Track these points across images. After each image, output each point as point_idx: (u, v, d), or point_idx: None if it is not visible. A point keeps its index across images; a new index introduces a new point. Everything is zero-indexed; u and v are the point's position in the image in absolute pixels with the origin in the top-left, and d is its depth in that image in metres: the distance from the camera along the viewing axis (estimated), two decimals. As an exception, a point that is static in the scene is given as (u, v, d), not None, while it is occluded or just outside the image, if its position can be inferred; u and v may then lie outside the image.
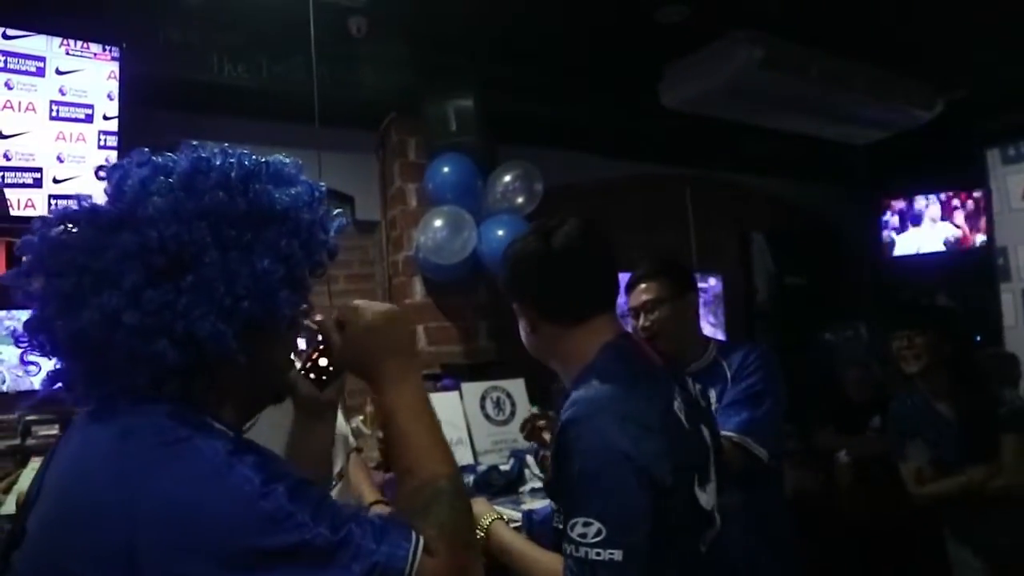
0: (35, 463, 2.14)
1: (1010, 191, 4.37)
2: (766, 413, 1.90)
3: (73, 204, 0.85)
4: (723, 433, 1.79)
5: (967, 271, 5.21)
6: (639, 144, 4.49)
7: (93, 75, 2.97)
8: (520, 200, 3.30)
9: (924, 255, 5.60)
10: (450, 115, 3.31)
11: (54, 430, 5.43)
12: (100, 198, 0.89)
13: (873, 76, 3.90)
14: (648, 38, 3.46)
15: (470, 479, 2.27)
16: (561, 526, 1.17)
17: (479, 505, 1.48)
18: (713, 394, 1.96)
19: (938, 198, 5.60)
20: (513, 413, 2.69)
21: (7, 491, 2.16)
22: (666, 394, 1.25)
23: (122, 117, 2.97)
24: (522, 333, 1.36)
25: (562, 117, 3.92)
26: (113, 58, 2.97)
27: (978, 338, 5.15)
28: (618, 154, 4.50)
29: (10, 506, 2.06)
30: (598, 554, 1.09)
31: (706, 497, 1.26)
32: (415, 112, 3.47)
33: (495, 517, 1.47)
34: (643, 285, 2.03)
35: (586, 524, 1.10)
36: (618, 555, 1.08)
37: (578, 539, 1.10)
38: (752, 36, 3.40)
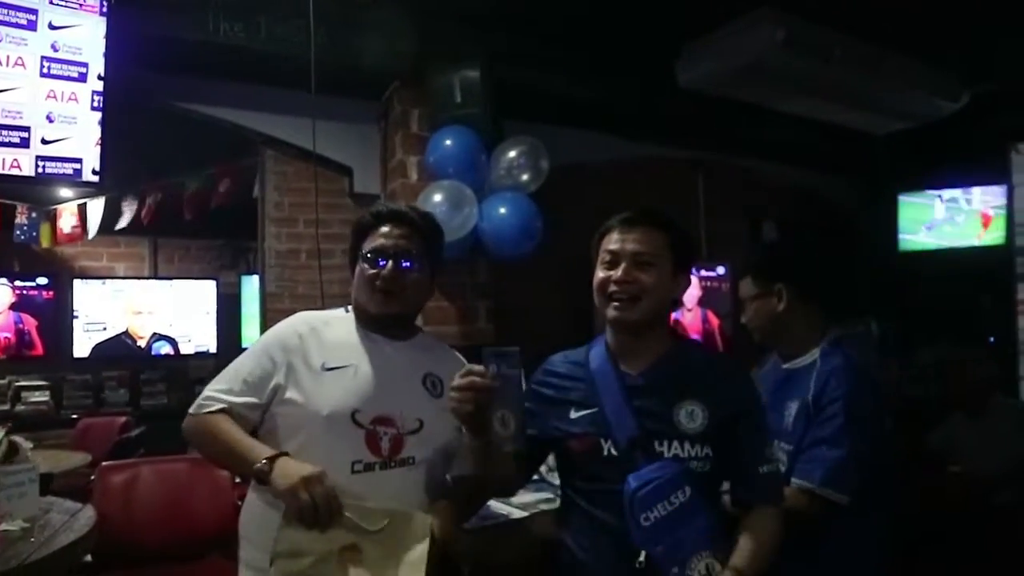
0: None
1: (1041, 190, 4.16)
2: (845, 455, 1.67)
3: None
4: (800, 483, 1.67)
5: (983, 270, 5.07)
6: (652, 125, 4.36)
7: (89, 32, 2.85)
8: (525, 177, 3.17)
9: (940, 251, 5.47)
10: (455, 86, 3.17)
11: (45, 396, 5.43)
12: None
13: (898, 63, 3.75)
14: (667, 13, 3.31)
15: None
16: None
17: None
18: (791, 408, 1.77)
19: (958, 193, 5.45)
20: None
21: None
22: None
23: (108, 74, 2.85)
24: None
25: (573, 93, 3.78)
26: (103, 13, 2.85)
27: (992, 339, 5.04)
28: (630, 135, 4.37)
29: None
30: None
31: None
32: (419, 82, 3.34)
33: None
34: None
35: None
36: None
37: None
38: (776, 15, 3.25)
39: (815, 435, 1.70)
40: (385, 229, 1.61)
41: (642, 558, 1.33)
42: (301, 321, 1.63)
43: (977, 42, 3.70)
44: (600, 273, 1.51)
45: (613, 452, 1.43)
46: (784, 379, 1.84)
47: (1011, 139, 4.62)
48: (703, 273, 4.51)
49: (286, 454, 1.43)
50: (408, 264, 1.59)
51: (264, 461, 1.40)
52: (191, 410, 1.54)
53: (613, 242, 1.51)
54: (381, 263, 1.58)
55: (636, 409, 1.44)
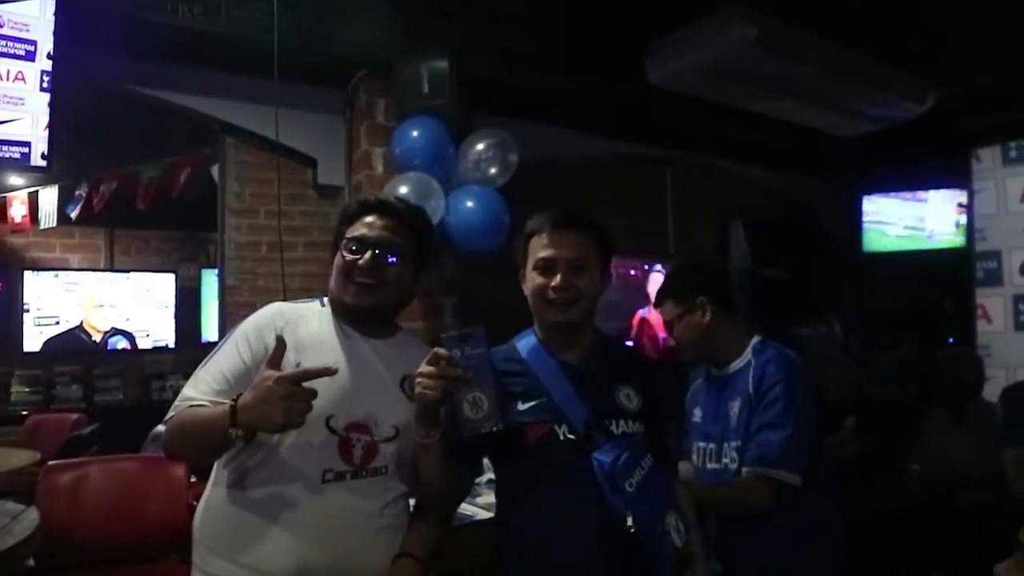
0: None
1: (1008, 193, 4.19)
2: (791, 435, 1.77)
3: None
4: (752, 469, 1.79)
5: (945, 272, 5.15)
6: (622, 122, 4.33)
7: (37, 8, 2.73)
8: (493, 171, 3.11)
9: (903, 253, 5.54)
10: (423, 76, 3.10)
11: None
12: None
13: (867, 65, 3.77)
14: (638, 7, 3.28)
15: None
16: None
17: None
18: (735, 407, 1.87)
19: (921, 196, 5.53)
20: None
21: None
22: None
23: (57, 54, 2.72)
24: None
25: (543, 87, 3.72)
26: (52, -12, 2.73)
27: (951, 340, 5.12)
28: (600, 131, 4.34)
29: None
30: None
31: None
32: (386, 71, 3.26)
33: None
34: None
35: None
36: None
37: None
38: (747, 13, 3.24)
39: (760, 421, 1.81)
40: (370, 219, 1.54)
41: (630, 521, 1.39)
42: (278, 315, 1.53)
43: (945, 47, 3.73)
44: (538, 279, 1.56)
45: (569, 436, 1.50)
46: (724, 384, 1.95)
47: (973, 144, 4.69)
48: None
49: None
50: (391, 258, 1.51)
51: (230, 403, 1.31)
52: (167, 416, 1.43)
53: (546, 248, 1.55)
54: (362, 253, 1.51)
55: (583, 394, 1.53)
